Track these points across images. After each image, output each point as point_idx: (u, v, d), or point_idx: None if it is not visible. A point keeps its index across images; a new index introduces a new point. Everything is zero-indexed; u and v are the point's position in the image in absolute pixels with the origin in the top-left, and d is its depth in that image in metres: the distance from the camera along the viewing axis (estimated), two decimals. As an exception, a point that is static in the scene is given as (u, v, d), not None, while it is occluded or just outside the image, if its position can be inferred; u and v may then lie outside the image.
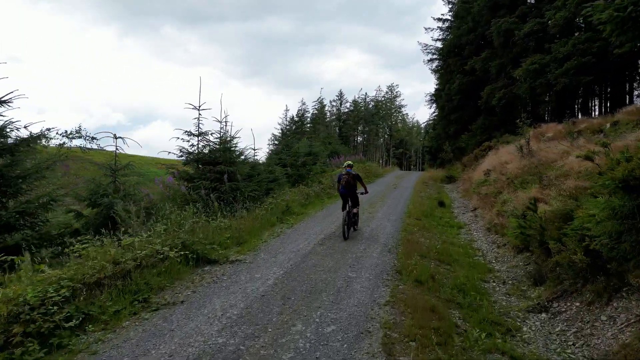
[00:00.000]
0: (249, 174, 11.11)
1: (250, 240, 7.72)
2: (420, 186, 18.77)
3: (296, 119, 63.08)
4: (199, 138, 10.75)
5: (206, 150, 10.70)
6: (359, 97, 73.80)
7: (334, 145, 30.50)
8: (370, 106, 73.53)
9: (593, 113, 26.64)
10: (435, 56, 34.19)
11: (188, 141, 10.67)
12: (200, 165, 10.51)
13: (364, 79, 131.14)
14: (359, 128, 74.14)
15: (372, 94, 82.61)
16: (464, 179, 18.00)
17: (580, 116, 22.12)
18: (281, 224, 9.54)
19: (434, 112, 55.91)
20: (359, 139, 76.29)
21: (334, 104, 72.66)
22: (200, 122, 10.64)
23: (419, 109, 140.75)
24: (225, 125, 10.84)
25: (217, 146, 10.58)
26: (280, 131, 56.96)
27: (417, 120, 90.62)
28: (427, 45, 33.88)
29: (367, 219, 10.33)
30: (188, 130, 10.56)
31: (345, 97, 72.64)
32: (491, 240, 8.92)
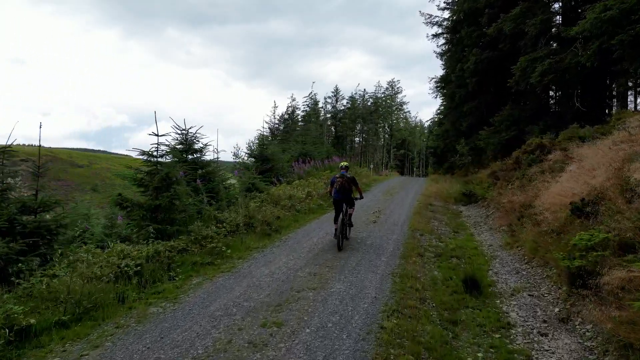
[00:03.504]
0: None
1: None
2: (422, 215, 10.34)
3: (286, 116, 55.02)
4: None
5: None
6: (356, 93, 65.16)
7: (308, 146, 22.06)
8: (369, 103, 64.99)
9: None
10: (441, 30, 25.61)
11: None
12: None
13: (366, 80, 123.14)
14: (357, 127, 65.67)
15: (371, 90, 74.05)
16: (503, 205, 9.46)
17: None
18: None
19: (438, 110, 47.04)
20: (357, 139, 67.71)
21: (329, 100, 64.13)
22: None
23: (422, 110, 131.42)
24: None
25: None
26: (268, 130, 49.00)
27: (420, 120, 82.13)
28: (431, 15, 25.25)
29: None
30: None
31: (341, 93, 64.07)
32: None
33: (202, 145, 10.08)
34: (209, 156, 11.61)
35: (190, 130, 9.92)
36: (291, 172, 16.94)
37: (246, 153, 16.76)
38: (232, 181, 15.33)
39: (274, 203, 10.04)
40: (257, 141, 16.36)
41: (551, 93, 20.74)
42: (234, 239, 7.03)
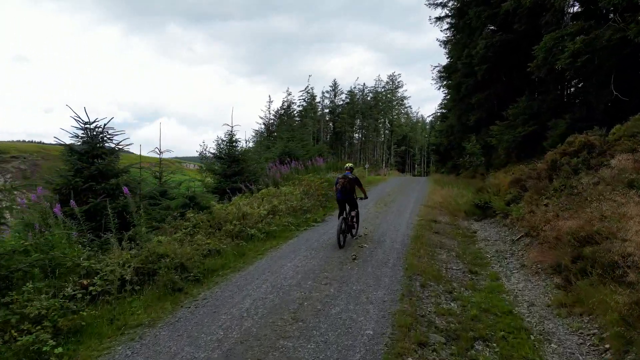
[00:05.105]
0: None
1: None
2: (423, 241, 7.35)
3: (281, 111, 51.95)
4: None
5: None
6: (355, 88, 61.92)
7: (293, 144, 19.01)
8: (369, 98, 61.73)
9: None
10: (446, 11, 22.38)
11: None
12: None
13: (369, 76, 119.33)
14: (356, 123, 62.49)
15: (371, 84, 70.62)
16: (544, 233, 6.43)
17: None
18: None
19: (441, 103, 43.65)
20: (357, 135, 64.46)
21: (327, 95, 60.98)
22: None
23: (424, 106, 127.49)
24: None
25: None
26: (263, 126, 46.02)
27: (421, 115, 78.80)
28: (434, -4, 22.03)
29: None
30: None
31: (340, 88, 60.89)
32: None
33: (113, 146, 7.09)
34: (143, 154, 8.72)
35: (97, 125, 6.95)
36: (267, 175, 13.97)
37: (212, 153, 13.81)
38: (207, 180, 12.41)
39: (216, 227, 7.05)
40: (226, 138, 13.35)
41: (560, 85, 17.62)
42: (103, 309, 4.05)
